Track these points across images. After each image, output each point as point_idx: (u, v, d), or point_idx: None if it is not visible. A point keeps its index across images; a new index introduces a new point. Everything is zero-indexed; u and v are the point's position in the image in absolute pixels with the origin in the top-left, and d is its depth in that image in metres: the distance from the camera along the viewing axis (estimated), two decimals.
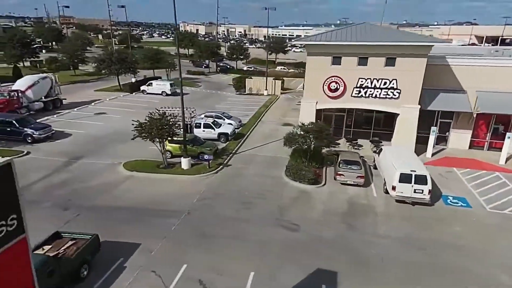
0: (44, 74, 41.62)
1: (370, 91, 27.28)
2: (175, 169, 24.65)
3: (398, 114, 27.59)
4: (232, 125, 32.91)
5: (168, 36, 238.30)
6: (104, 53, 50.92)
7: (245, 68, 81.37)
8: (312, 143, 23.69)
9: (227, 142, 30.40)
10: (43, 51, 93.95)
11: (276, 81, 54.95)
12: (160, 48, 69.90)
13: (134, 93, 51.08)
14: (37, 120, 32.64)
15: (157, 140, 23.77)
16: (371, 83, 27.09)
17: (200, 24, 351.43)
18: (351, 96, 27.74)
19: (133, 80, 57.42)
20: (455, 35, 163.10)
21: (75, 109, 40.53)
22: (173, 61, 62.39)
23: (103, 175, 23.76)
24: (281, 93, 55.10)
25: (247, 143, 31.29)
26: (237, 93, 55.22)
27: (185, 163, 24.62)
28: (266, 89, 54.36)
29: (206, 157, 24.86)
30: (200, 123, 30.76)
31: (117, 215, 18.82)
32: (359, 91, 27.49)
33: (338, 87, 27.58)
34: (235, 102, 48.38)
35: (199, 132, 29.95)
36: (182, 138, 25.01)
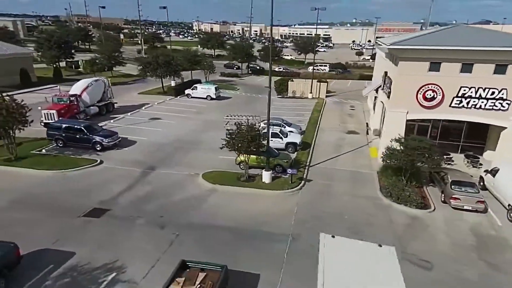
0: (97, 77, 41.32)
1: (474, 101, 24.78)
2: (256, 182, 23.81)
3: (504, 128, 25.19)
4: (294, 132, 31.91)
5: (186, 35, 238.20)
6: (149, 56, 50.39)
7: (276, 69, 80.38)
8: (422, 162, 21.74)
9: (295, 153, 29.34)
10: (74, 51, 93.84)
11: (321, 83, 53.54)
12: (192, 50, 69.39)
13: (178, 97, 50.54)
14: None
15: (242, 152, 23.01)
16: (476, 92, 24.58)
17: (215, 23, 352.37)
18: (450, 106, 25.29)
19: (173, 83, 57.05)
20: None
21: (129, 113, 40.13)
22: (211, 63, 61.85)
23: (185, 188, 23.04)
24: (326, 96, 53.86)
25: (316, 153, 30.16)
26: (279, 96, 54.22)
27: (266, 176, 23.68)
28: (311, 92, 53.21)
29: (289, 171, 23.70)
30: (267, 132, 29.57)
31: (218, 235, 17.96)
32: (460, 101, 25.02)
33: (435, 96, 25.18)
34: (282, 107, 47.33)
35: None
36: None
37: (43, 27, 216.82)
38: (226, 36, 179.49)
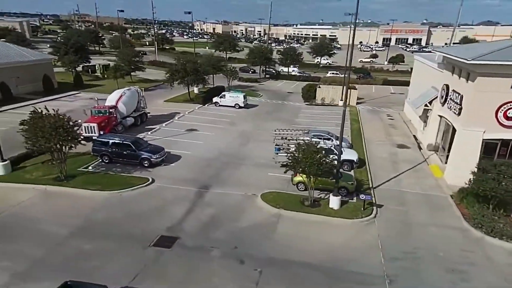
0: (129, 86, 40.41)
1: None
2: (323, 208, 22.05)
3: None
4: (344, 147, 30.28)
5: (190, 35, 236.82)
6: (177, 64, 49.43)
7: (293, 73, 79.58)
8: None
9: (352, 171, 27.97)
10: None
11: (351, 90, 52.20)
12: (214, 55, 68.41)
13: (206, 105, 49.60)
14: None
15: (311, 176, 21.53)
16: None
17: (217, 23, 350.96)
18: None
19: (196, 90, 56.19)
20: (486, 35, 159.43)
21: (164, 124, 39.15)
22: (234, 69, 60.92)
23: (247, 212, 21.84)
24: (356, 103, 52.63)
25: (373, 172, 28.41)
26: (307, 103, 53.20)
27: (335, 202, 21.94)
28: (341, 99, 51.85)
29: (362, 196, 21.92)
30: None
31: (305, 274, 16.52)
32: None
33: None
34: (314, 115, 46.35)
35: None
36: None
37: (45, 27, 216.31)
38: (261, 40, 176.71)
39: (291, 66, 78.75)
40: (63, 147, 23.54)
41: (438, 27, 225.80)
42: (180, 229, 19.81)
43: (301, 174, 22.52)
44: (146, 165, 27.28)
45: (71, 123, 23.64)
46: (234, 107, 48.43)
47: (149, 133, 35.90)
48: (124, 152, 27.36)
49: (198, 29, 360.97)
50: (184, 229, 19.79)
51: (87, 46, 79.29)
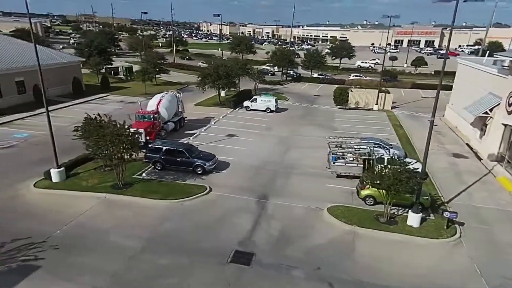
0: (167, 91, 40.13)
1: None
2: (402, 226, 20.75)
3: None
4: (398, 155, 28.38)
5: (199, 37, 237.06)
6: (208, 67, 49.10)
7: (315, 75, 79.06)
8: None
9: None
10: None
11: (386, 94, 51.47)
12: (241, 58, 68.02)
13: (237, 109, 49.22)
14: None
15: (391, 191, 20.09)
16: None
17: (225, 24, 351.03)
18: None
19: (223, 93, 55.88)
20: (500, 38, 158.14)
21: (202, 129, 38.81)
22: (261, 72, 60.51)
23: (318, 228, 20.77)
24: (392, 108, 51.72)
25: (439, 184, 26.94)
26: (339, 107, 52.39)
27: (415, 219, 20.44)
28: (376, 104, 51.15)
29: (447, 214, 20.13)
30: (383, 158, 26.57)
31: None
32: None
33: None
34: (351, 120, 45.48)
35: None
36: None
37: (54, 27, 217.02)
38: (280, 42, 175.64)
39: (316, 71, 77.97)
40: (125, 155, 23.23)
41: (447, 29, 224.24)
42: (251, 244, 19.08)
43: (371, 188, 21.73)
44: (199, 172, 26.89)
45: (131, 130, 23.35)
46: (265, 111, 48.00)
47: (191, 138, 35.54)
48: (178, 159, 26.99)
49: (204, 30, 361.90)
50: (257, 244, 19.03)
51: (109, 48, 79.27)
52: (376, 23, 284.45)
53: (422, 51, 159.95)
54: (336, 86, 60.81)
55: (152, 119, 32.77)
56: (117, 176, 24.10)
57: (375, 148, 28.04)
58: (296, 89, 68.43)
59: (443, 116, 47.22)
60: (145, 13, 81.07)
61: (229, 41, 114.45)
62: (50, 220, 20.44)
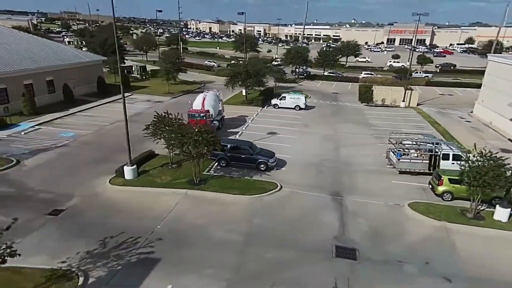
0: (207, 90, 40.56)
1: None
2: (491, 221, 20.97)
3: None
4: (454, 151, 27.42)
5: (191, 35, 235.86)
6: (239, 66, 49.51)
7: (325, 74, 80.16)
8: None
9: None
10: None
11: (412, 91, 52.57)
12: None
13: (265, 107, 49.89)
14: None
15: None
16: None
17: (214, 22, 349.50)
18: None
19: (244, 92, 56.43)
20: (488, 36, 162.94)
21: (243, 127, 39.33)
22: (282, 70, 61.31)
23: (407, 225, 20.95)
24: (417, 105, 52.84)
25: None
26: (364, 104, 53.08)
27: (504, 214, 20.60)
28: (403, 101, 52.21)
29: None
30: (449, 154, 26.69)
31: None
32: None
33: None
34: (382, 117, 46.12)
35: (446, 166, 25.98)
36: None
37: (40, 25, 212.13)
38: (296, 41, 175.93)
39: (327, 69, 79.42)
40: (205, 152, 23.75)
41: (435, 27, 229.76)
42: (349, 240, 19.38)
43: (452, 184, 22.50)
44: (262, 168, 27.41)
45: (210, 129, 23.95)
46: (294, 109, 48.70)
47: (236, 136, 36.07)
48: (242, 156, 27.51)
49: (193, 28, 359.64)
50: (355, 241, 19.35)
51: (122, 47, 78.71)
52: (363, 22, 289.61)
53: (417, 50, 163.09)
54: (359, 84, 61.81)
55: (204, 118, 33.21)
56: (193, 173, 24.58)
57: (437, 145, 27.94)
58: (312, 87, 69.33)
59: (471, 112, 48.86)
60: (160, 11, 79.84)
61: (229, 39, 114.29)
62: (144, 216, 20.73)
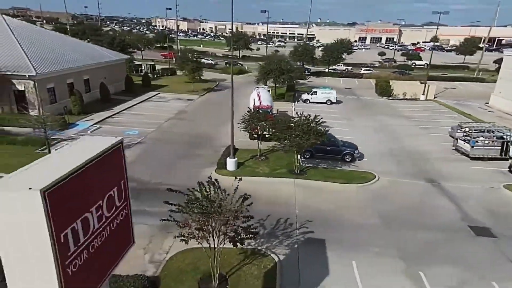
0: (257, 86, 41.59)
1: None
2: None
3: None
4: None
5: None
6: (270, 63, 50.58)
7: (326, 71, 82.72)
8: None
9: None
10: None
11: (429, 85, 55.48)
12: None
13: (296, 102, 51.42)
14: None
15: None
16: None
17: (182, 20, 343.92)
18: None
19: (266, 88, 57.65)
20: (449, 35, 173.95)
21: None
22: (302, 67, 63.08)
23: None
24: (434, 97, 55.84)
25: None
26: (385, 97, 55.28)
27: None
28: (423, 94, 55.16)
29: None
30: None
31: None
32: None
33: None
34: (414, 109, 48.04)
35: None
36: None
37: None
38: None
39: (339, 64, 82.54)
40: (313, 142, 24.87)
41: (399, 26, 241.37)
42: (475, 220, 20.71)
43: None
44: (348, 160, 28.54)
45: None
46: (325, 103, 50.44)
47: None
48: (328, 148, 28.71)
49: (159, 26, 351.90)
50: (479, 220, 20.71)
51: (130, 45, 77.17)
52: (328, 20, 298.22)
53: (391, 47, 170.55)
54: (375, 79, 64.04)
55: (270, 113, 34.27)
56: (294, 163, 25.81)
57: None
58: (322, 83, 70.69)
59: (487, 103, 52.82)
60: (169, 9, 78.01)
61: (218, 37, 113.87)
62: (275, 202, 21.60)
